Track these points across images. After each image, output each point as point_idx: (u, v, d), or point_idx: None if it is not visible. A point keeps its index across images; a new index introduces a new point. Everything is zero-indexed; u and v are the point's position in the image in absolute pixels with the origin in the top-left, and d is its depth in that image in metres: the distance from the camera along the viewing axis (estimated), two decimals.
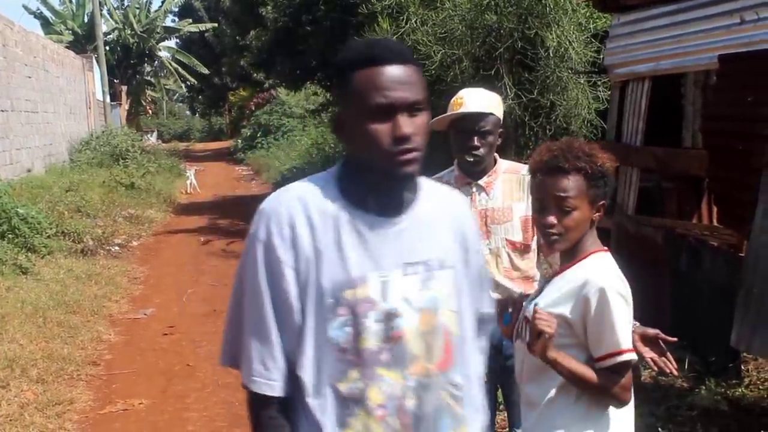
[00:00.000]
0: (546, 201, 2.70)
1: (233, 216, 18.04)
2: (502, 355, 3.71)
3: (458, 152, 3.67)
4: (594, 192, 2.69)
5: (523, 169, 3.67)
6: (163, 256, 14.01)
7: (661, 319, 6.49)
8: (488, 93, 3.72)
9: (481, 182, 3.69)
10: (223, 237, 15.67)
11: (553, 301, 2.74)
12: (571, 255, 2.77)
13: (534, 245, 3.74)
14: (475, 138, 3.58)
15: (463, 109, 3.59)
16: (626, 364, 2.65)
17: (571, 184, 2.66)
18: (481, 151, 3.60)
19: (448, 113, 3.63)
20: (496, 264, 3.67)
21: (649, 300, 6.36)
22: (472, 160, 3.61)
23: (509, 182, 3.69)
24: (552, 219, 2.69)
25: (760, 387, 5.66)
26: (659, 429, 5.10)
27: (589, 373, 2.66)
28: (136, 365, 7.81)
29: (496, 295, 3.60)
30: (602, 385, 2.66)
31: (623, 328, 2.64)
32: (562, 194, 2.66)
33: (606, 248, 2.82)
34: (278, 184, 23.33)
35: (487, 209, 3.66)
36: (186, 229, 16.92)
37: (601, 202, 2.74)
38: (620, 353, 2.63)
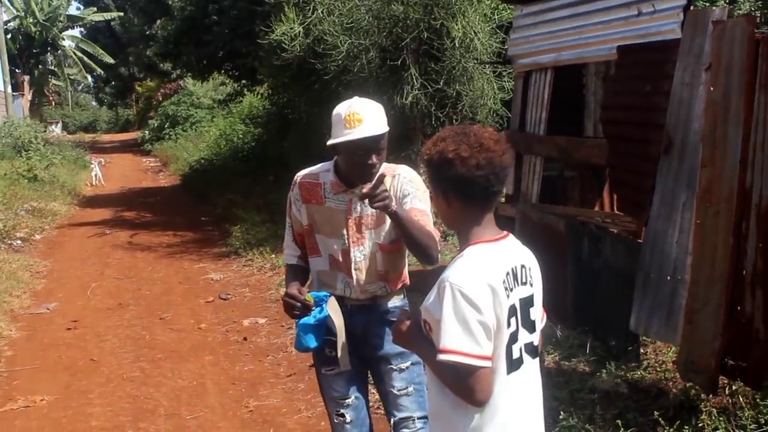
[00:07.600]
0: None
1: (139, 208, 17.75)
2: (369, 345, 3.70)
3: (355, 170, 3.53)
4: (435, 184, 2.66)
5: (398, 168, 3.61)
6: (67, 249, 13.73)
7: (564, 304, 6.64)
8: (378, 107, 3.56)
9: (357, 191, 3.53)
10: (129, 229, 15.43)
11: (429, 296, 2.62)
12: (459, 248, 2.68)
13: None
14: (374, 156, 3.48)
15: (364, 130, 3.43)
16: (446, 365, 2.48)
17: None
18: (378, 167, 3.51)
19: (348, 134, 3.43)
20: (371, 267, 3.64)
21: (552, 286, 6.47)
22: (371, 178, 3.43)
23: (385, 184, 3.49)
24: None
25: (658, 369, 5.81)
26: (561, 412, 5.20)
27: (425, 351, 2.62)
28: (38, 361, 7.65)
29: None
30: (438, 373, 2.57)
31: (451, 326, 2.45)
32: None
33: (494, 238, 2.65)
34: (186, 176, 23.17)
35: (362, 216, 3.60)
36: (91, 221, 16.61)
37: (452, 194, 2.62)
38: (441, 351, 2.47)
